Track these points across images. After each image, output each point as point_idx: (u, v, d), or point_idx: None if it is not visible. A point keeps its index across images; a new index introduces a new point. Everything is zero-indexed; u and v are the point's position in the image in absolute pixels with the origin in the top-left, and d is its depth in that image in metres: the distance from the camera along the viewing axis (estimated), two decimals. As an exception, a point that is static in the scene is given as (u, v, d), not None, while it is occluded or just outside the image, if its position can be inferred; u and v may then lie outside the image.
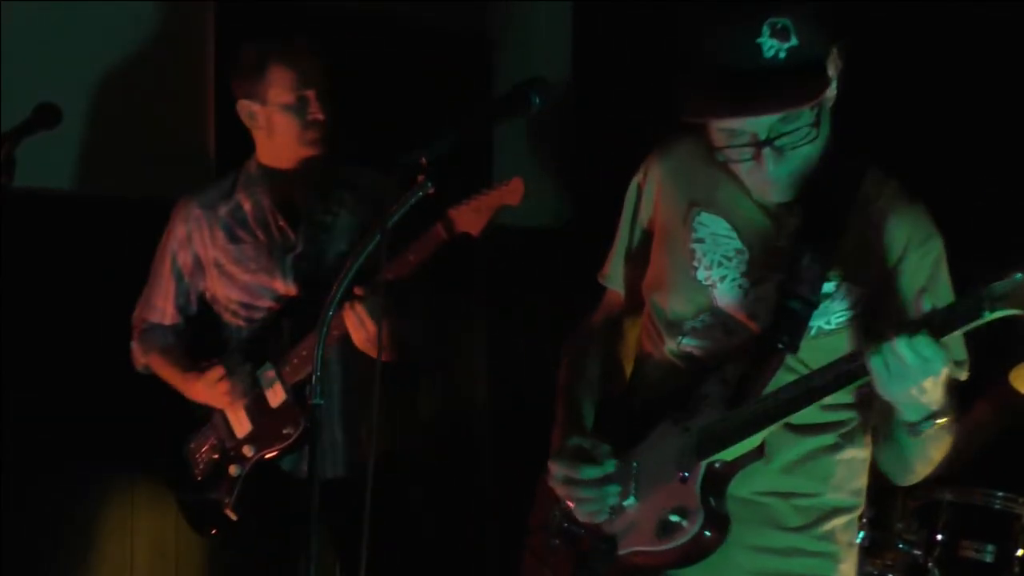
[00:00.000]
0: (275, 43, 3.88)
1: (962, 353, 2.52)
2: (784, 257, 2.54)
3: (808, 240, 2.51)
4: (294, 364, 3.81)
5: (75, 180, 4.43)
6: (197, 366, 3.92)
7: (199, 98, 4.68)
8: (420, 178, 2.66)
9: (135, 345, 4.09)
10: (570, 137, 5.58)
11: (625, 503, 2.61)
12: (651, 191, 2.75)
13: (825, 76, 2.43)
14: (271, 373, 3.84)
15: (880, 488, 3.89)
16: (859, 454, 2.65)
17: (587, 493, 2.60)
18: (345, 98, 4.01)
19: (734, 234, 2.60)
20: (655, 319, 2.69)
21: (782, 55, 2.38)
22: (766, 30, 2.37)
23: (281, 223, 3.92)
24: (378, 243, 2.59)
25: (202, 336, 4.09)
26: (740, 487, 2.55)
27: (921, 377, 2.25)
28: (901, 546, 3.89)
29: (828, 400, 2.47)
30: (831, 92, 2.49)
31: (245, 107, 3.89)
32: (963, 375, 2.53)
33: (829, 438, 2.60)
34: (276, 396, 3.83)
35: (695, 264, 2.62)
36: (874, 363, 2.27)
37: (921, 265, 2.51)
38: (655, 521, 2.55)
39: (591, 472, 2.59)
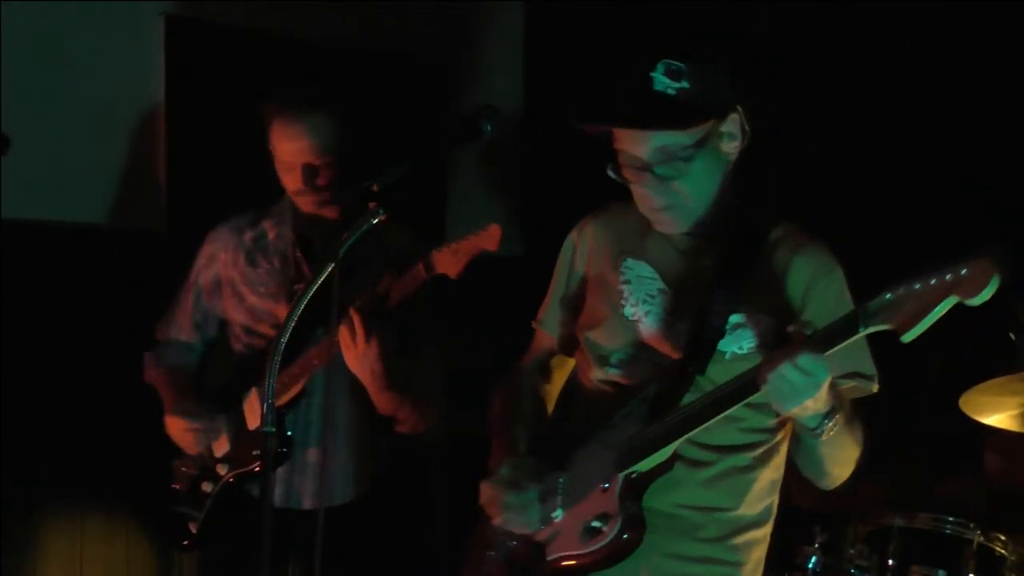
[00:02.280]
0: (284, 104, 3.86)
1: (870, 368, 2.85)
2: (700, 294, 2.83)
3: (720, 278, 2.83)
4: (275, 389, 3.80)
5: (23, 208, 4.38)
6: (176, 398, 3.94)
7: (150, 126, 4.66)
8: (372, 205, 2.67)
9: (148, 356, 4.11)
10: (522, 163, 5.60)
11: (553, 515, 2.89)
12: (585, 246, 3.06)
13: (702, 116, 2.74)
14: (252, 397, 3.84)
15: (832, 514, 3.95)
16: (771, 475, 2.96)
17: (509, 515, 2.90)
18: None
19: (656, 276, 2.91)
20: (588, 353, 2.98)
21: (671, 91, 2.73)
22: (661, 67, 2.74)
23: (298, 255, 3.95)
24: (331, 271, 2.59)
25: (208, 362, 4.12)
26: (663, 500, 2.83)
27: (810, 391, 2.55)
28: (852, 571, 3.90)
29: (747, 424, 2.84)
30: (727, 146, 2.82)
31: (271, 150, 3.91)
32: (873, 387, 2.87)
33: (745, 458, 2.88)
34: (254, 419, 3.84)
35: (623, 303, 2.92)
36: (768, 386, 2.56)
37: (826, 296, 2.81)
38: (580, 528, 2.82)
39: (514, 499, 2.89)
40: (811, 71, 4.94)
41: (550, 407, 3.15)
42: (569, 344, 3.09)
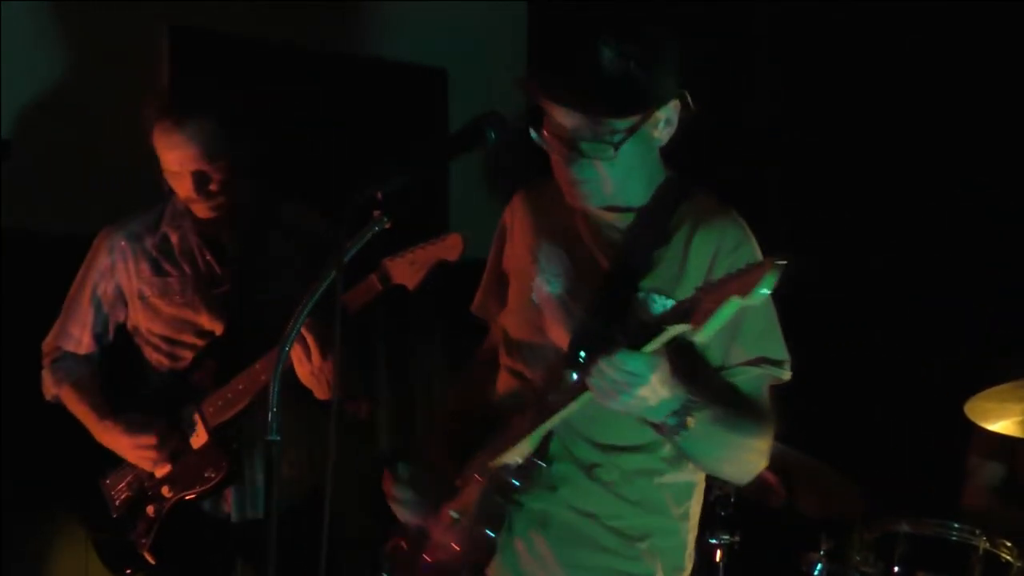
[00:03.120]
0: (163, 110, 3.73)
1: (780, 353, 2.77)
2: (601, 276, 2.77)
3: (624, 260, 2.74)
4: (219, 406, 3.74)
5: (27, 217, 4.38)
6: (117, 416, 3.83)
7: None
8: (376, 213, 2.66)
9: (46, 374, 4.00)
10: (525, 170, 5.58)
11: (449, 511, 2.86)
12: (512, 228, 2.99)
13: (643, 104, 2.65)
14: (195, 415, 3.79)
15: (837, 520, 3.94)
16: (683, 477, 2.83)
17: (403, 510, 2.90)
18: (301, 132, 4.00)
19: (563, 257, 2.83)
20: (503, 340, 2.94)
21: (617, 74, 2.62)
22: (613, 48, 2.63)
23: (208, 258, 3.87)
24: (333, 279, 2.58)
25: (117, 367, 4.01)
26: (561, 507, 2.78)
27: (633, 389, 2.48)
28: (858, 578, 3.89)
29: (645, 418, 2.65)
30: (660, 132, 2.73)
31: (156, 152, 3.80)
32: (785, 375, 2.78)
33: (651, 460, 2.79)
34: (199, 438, 3.77)
35: (532, 287, 2.86)
36: (589, 382, 2.51)
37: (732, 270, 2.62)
38: (449, 520, 2.83)
39: (402, 492, 2.90)
40: (810, 70, 4.95)
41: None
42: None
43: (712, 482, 3.88)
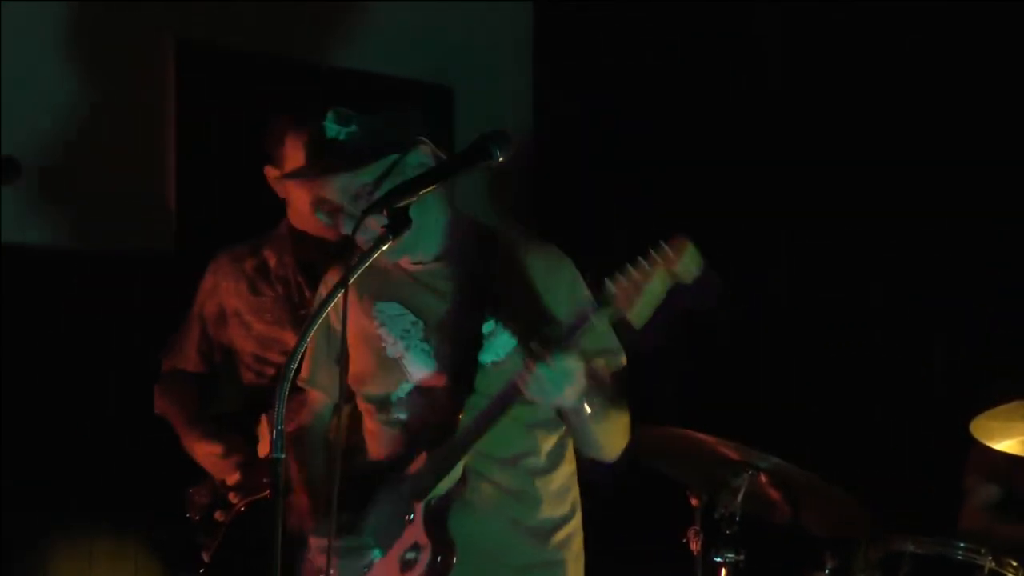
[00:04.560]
0: (300, 117, 3.83)
1: (615, 343, 3.04)
2: (449, 318, 3.05)
3: (462, 297, 3.04)
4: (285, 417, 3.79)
5: (33, 233, 4.39)
6: (199, 425, 3.97)
7: (160, 151, 4.68)
8: (381, 230, 2.68)
9: (157, 388, 4.14)
10: (530, 188, 5.60)
11: (372, 555, 3.03)
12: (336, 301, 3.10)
13: (373, 155, 2.91)
14: (263, 424, 3.85)
15: (842, 539, 3.93)
16: (568, 468, 3.17)
17: (347, 559, 3.01)
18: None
19: (406, 311, 3.09)
20: (368, 403, 3.15)
21: (342, 136, 2.94)
22: (331, 116, 2.94)
23: (300, 280, 3.97)
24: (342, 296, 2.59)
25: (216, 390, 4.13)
26: (484, 521, 3.02)
27: (568, 380, 2.79)
28: (863, 597, 3.89)
29: (529, 420, 3.01)
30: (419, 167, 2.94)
31: (270, 172, 3.95)
32: (622, 359, 3.05)
33: (539, 461, 3.09)
34: (263, 447, 3.85)
35: (383, 345, 3.09)
36: (529, 388, 2.78)
37: (561, 289, 3.01)
38: (398, 562, 2.99)
39: (351, 542, 3.02)
40: (811, 69, 4.97)
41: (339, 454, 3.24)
42: (345, 395, 3.21)
43: (716, 501, 3.89)
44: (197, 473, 4.01)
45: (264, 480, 3.82)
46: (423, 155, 2.99)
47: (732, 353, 5.06)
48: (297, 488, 3.22)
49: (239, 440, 3.91)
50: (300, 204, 3.91)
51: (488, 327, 3.01)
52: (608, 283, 2.71)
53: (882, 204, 4.79)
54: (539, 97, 5.72)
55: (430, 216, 3.00)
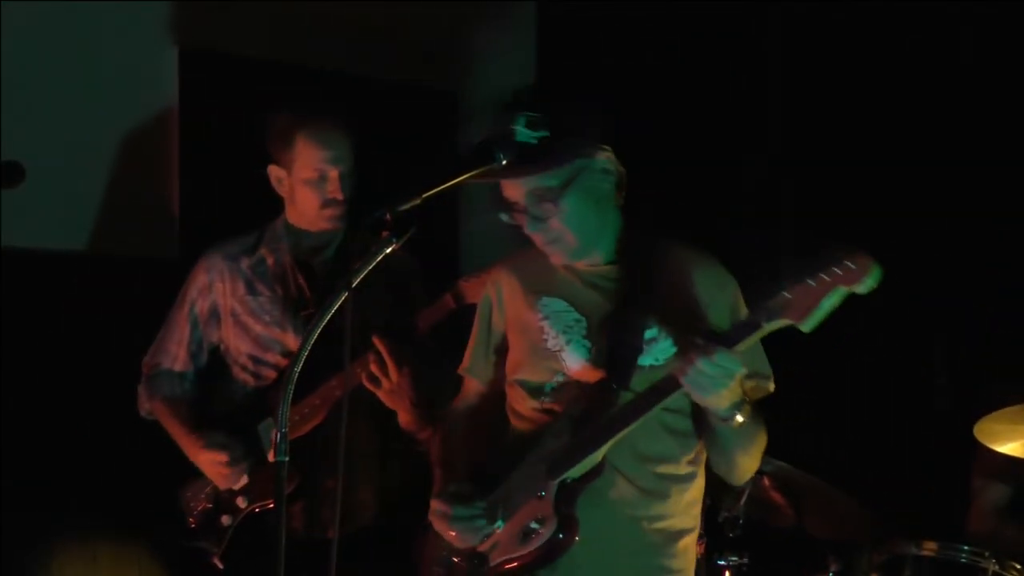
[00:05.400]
0: (306, 115, 3.94)
1: (767, 369, 3.12)
2: (614, 317, 3.11)
3: (629, 300, 3.11)
4: (294, 421, 3.79)
5: (36, 237, 4.39)
6: (201, 431, 3.94)
7: (164, 156, 4.68)
8: (384, 234, 2.68)
9: (141, 389, 4.11)
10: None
11: (495, 525, 3.11)
12: (501, 297, 3.30)
13: (559, 160, 3.00)
14: (271, 430, 3.82)
15: (846, 543, 3.93)
16: (700, 481, 3.21)
17: (459, 525, 3.12)
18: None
19: (571, 308, 3.17)
20: (521, 390, 3.21)
21: (532, 140, 2.97)
22: (521, 120, 2.98)
23: (300, 280, 3.97)
24: (344, 300, 2.59)
25: (208, 387, 4.11)
26: (612, 512, 3.07)
27: (725, 382, 2.83)
28: (867, 600, 3.89)
29: (673, 426, 3.09)
30: (602, 182, 3.09)
31: (274, 171, 3.97)
32: (770, 386, 3.12)
33: (680, 466, 3.14)
34: (273, 452, 3.82)
35: (544, 337, 3.17)
36: (687, 380, 2.83)
37: (723, 304, 3.09)
38: (519, 533, 3.07)
39: (462, 511, 3.11)
40: (815, 71, 4.97)
41: (483, 444, 3.33)
42: (498, 386, 3.31)
43: (720, 504, 3.89)
44: (193, 474, 4.00)
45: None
46: (607, 161, 3.10)
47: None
48: (434, 462, 3.30)
49: (243, 448, 3.89)
50: (307, 204, 3.92)
51: (651, 333, 3.07)
52: (784, 293, 2.75)
53: (884, 206, 4.79)
54: (543, 100, 5.71)
55: (607, 221, 3.14)
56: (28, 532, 4.33)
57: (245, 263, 4.02)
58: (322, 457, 3.80)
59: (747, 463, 3.15)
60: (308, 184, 3.90)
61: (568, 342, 3.14)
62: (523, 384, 3.21)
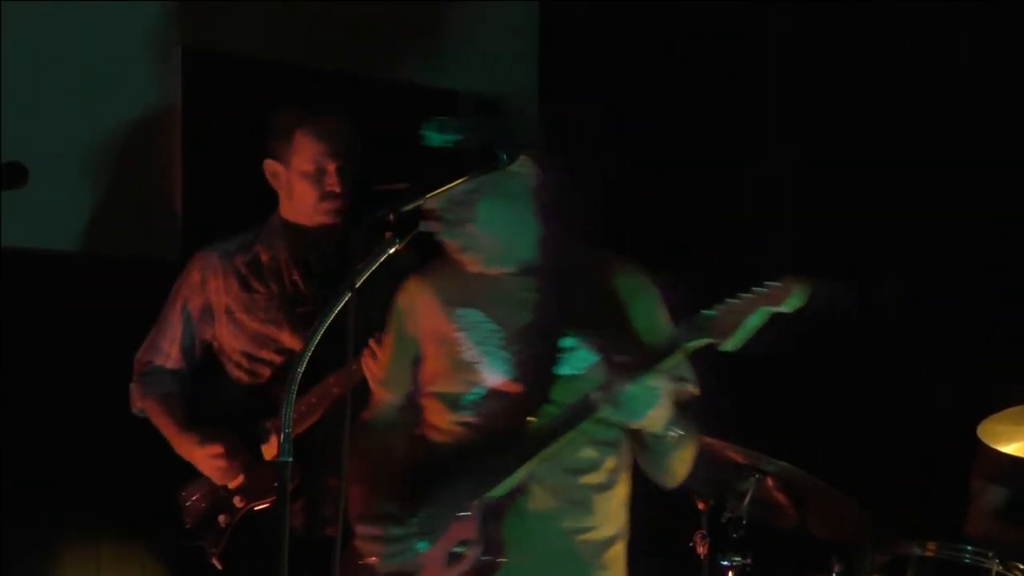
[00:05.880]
0: (307, 111, 3.96)
1: (689, 373, 3.10)
2: (531, 327, 3.08)
3: (546, 309, 3.07)
4: (292, 419, 3.78)
5: (37, 237, 4.39)
6: (195, 428, 3.93)
7: (167, 156, 4.68)
8: (388, 235, 2.68)
9: (134, 387, 4.10)
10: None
11: (419, 545, 3.06)
12: (414, 308, 3.25)
13: (476, 164, 2.90)
14: (268, 426, 3.82)
15: (849, 544, 3.93)
16: (624, 490, 3.19)
17: (391, 548, 3.07)
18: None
19: (488, 318, 3.12)
20: (438, 402, 3.17)
21: (444, 144, 2.99)
22: (431, 125, 3.02)
23: (295, 277, 3.96)
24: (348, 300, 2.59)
25: (201, 385, 4.11)
26: (540, 528, 3.04)
27: (649, 404, 2.83)
28: (871, 601, 3.88)
29: (598, 436, 3.05)
30: (520, 186, 3.04)
31: (270, 166, 3.97)
32: (694, 390, 3.11)
33: (600, 477, 3.11)
34: (271, 449, 3.84)
35: (461, 349, 3.13)
36: (613, 405, 2.83)
37: (646, 310, 3.08)
38: (444, 556, 3.03)
39: (394, 531, 3.06)
40: (818, 72, 4.97)
41: (400, 454, 3.29)
42: (413, 398, 3.26)
43: (724, 505, 3.89)
44: (189, 475, 3.99)
45: (274, 484, 3.80)
46: (523, 165, 3.04)
47: (738, 357, 5.04)
48: (350, 478, 3.21)
49: (239, 442, 3.88)
50: (305, 199, 3.92)
51: (569, 342, 3.04)
52: (707, 311, 2.76)
53: (887, 208, 4.79)
54: (545, 100, 5.71)
55: (522, 228, 3.10)
56: (30, 534, 4.32)
57: (240, 260, 4.01)
58: (322, 456, 3.78)
59: (681, 468, 3.14)
60: (306, 177, 3.90)
61: (485, 354, 3.11)
62: (440, 396, 3.17)
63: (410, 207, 2.72)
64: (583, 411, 2.91)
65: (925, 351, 4.75)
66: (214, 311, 4.02)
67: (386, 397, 3.34)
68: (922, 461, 4.67)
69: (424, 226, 2.98)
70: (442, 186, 2.84)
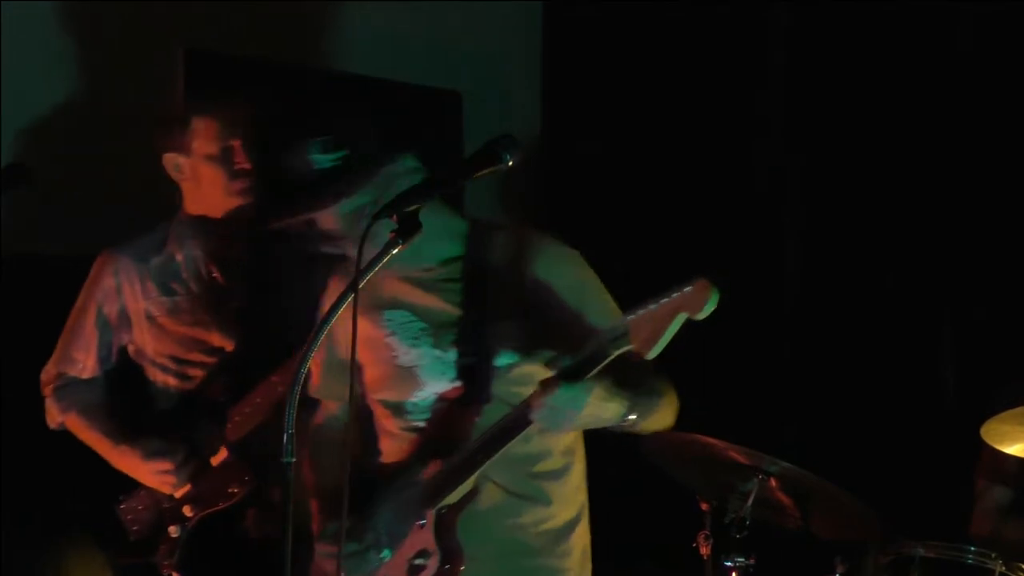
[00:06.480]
0: (197, 96, 3.95)
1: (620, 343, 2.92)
2: (459, 321, 3.05)
3: (470, 301, 3.04)
4: (236, 421, 3.76)
5: (38, 239, 4.39)
6: (133, 440, 3.84)
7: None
8: (391, 235, 2.68)
9: (50, 402, 3.99)
10: (539, 192, 5.60)
11: (381, 555, 3.06)
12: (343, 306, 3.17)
13: (370, 173, 2.95)
14: (213, 433, 3.79)
15: (852, 544, 3.93)
16: (579, 467, 3.18)
17: (351, 563, 3.04)
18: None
19: (415, 317, 3.09)
20: (384, 408, 3.15)
21: (336, 163, 2.96)
22: (315, 147, 2.96)
23: (215, 274, 3.89)
24: (351, 300, 2.59)
25: (119, 391, 4.02)
26: (495, 526, 3.05)
27: (578, 409, 2.82)
28: (874, 601, 3.88)
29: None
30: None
31: (171, 160, 3.87)
32: (639, 350, 2.87)
33: (553, 462, 3.11)
34: (218, 455, 3.78)
35: (395, 354, 3.10)
36: (540, 419, 2.83)
37: (569, 282, 3.03)
38: (405, 567, 3.02)
39: (352, 546, 3.04)
40: (823, 71, 4.97)
41: (352, 457, 3.24)
42: (358, 401, 3.20)
43: (726, 505, 3.89)
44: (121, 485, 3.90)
45: (229, 489, 3.75)
46: (411, 159, 3.05)
47: (741, 358, 5.05)
48: (309, 488, 3.21)
49: (184, 450, 3.80)
50: (211, 188, 3.85)
51: (500, 330, 3.02)
52: (625, 320, 2.74)
53: (890, 209, 4.79)
54: (548, 101, 5.72)
55: (435, 221, 2.97)
56: (32, 539, 4.32)
57: (154, 262, 3.91)
58: (272, 457, 3.75)
59: (661, 422, 3.10)
60: (212, 160, 3.82)
61: (420, 356, 3.09)
62: (385, 404, 3.16)
63: (413, 208, 2.71)
64: (518, 424, 2.91)
65: (929, 350, 4.75)
66: (131, 317, 3.92)
67: (328, 404, 3.31)
68: (925, 461, 4.67)
69: (331, 249, 3.04)
70: (443, 186, 2.84)
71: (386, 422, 3.17)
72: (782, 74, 5.16)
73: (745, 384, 5.02)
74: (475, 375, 3.03)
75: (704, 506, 3.97)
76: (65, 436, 4.06)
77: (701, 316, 2.67)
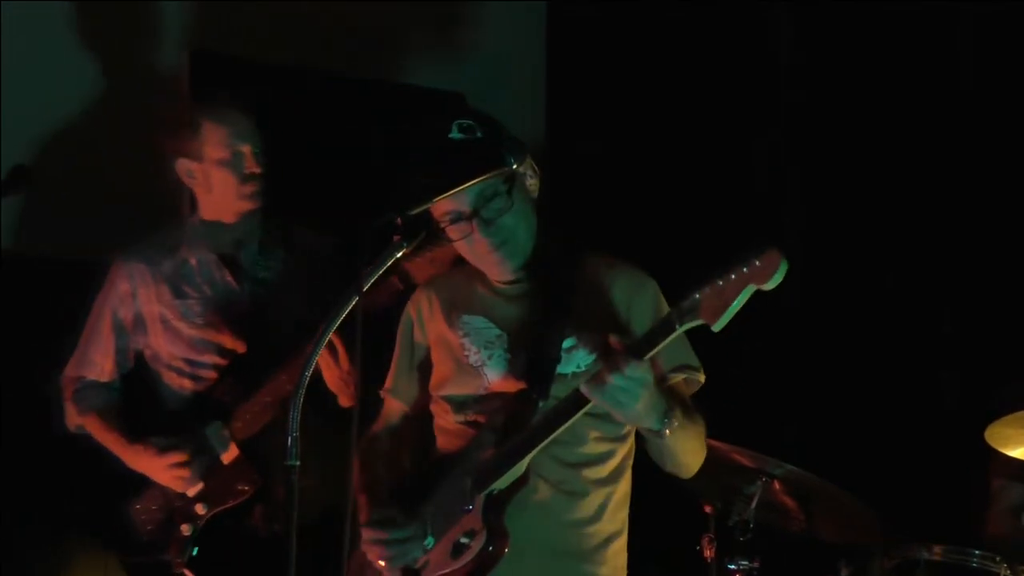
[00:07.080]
0: (207, 102, 3.94)
1: (695, 361, 3.14)
2: (532, 330, 3.12)
3: (547, 312, 3.11)
4: (246, 420, 3.80)
5: (42, 242, 4.39)
6: (146, 439, 3.86)
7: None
8: (396, 237, 2.68)
9: (69, 404, 4.02)
10: (542, 192, 5.59)
11: (425, 543, 3.11)
12: (421, 315, 3.31)
13: (505, 157, 3.02)
14: (223, 431, 3.81)
15: (857, 547, 3.93)
16: (625, 487, 3.23)
17: (394, 549, 3.09)
18: (321, 156, 4.00)
19: (492, 324, 3.18)
20: (445, 404, 3.22)
21: (469, 143, 3.01)
22: (454, 128, 3.01)
23: (228, 277, 3.93)
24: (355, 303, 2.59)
25: (136, 395, 4.04)
26: (540, 522, 3.08)
27: (638, 393, 2.80)
28: (878, 605, 3.88)
29: (599, 433, 3.10)
30: (530, 183, 3.14)
31: (183, 165, 3.91)
32: (701, 377, 3.15)
33: (602, 472, 3.14)
34: (229, 453, 3.80)
35: (466, 354, 3.18)
36: (601, 397, 2.82)
37: (645, 305, 3.11)
38: (449, 548, 3.06)
39: (396, 534, 3.09)
40: (829, 71, 4.97)
41: (405, 466, 3.33)
42: (421, 405, 3.31)
43: (730, 508, 3.89)
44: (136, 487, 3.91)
45: (239, 486, 3.79)
46: (529, 165, 3.13)
47: (745, 360, 5.05)
48: (356, 488, 3.22)
49: (198, 448, 3.82)
50: (225, 187, 3.89)
51: (569, 342, 3.08)
52: (695, 294, 2.74)
53: (890, 209, 4.79)
54: (551, 102, 5.72)
55: (520, 233, 3.10)
56: (33, 540, 4.32)
57: (167, 266, 3.96)
58: (280, 456, 3.74)
59: (693, 460, 3.14)
60: (223, 164, 3.86)
61: (489, 357, 3.16)
62: (448, 399, 3.21)
63: (417, 211, 2.71)
64: (576, 403, 2.92)
65: (933, 352, 4.74)
66: (146, 321, 3.96)
67: (394, 405, 3.37)
68: (930, 464, 4.66)
69: (443, 238, 3.04)
70: (449, 189, 2.84)
71: (444, 419, 3.23)
72: (782, 74, 5.16)
73: (746, 385, 5.02)
74: (538, 376, 3.08)
75: (708, 509, 3.97)
76: (65, 436, 4.07)
77: (770, 286, 2.67)
